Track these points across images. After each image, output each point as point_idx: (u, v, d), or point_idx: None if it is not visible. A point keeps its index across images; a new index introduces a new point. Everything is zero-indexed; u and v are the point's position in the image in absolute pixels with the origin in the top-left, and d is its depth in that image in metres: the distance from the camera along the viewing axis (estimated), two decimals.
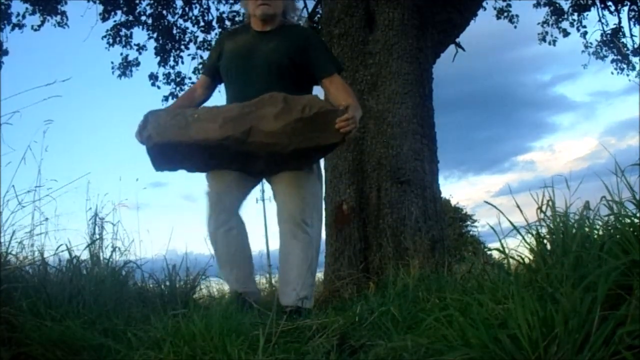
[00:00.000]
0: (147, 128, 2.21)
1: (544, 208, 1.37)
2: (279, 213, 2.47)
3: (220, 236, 2.35)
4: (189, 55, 7.02)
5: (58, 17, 6.36)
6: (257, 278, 3.60)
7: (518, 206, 1.36)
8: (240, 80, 2.45)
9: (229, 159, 2.28)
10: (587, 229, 1.26)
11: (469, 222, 24.47)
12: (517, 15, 7.28)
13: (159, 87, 6.99)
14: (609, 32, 7.08)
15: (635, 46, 6.93)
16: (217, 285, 2.76)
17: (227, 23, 6.97)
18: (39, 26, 6.29)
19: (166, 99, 6.43)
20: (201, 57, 6.92)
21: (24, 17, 6.15)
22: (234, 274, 2.37)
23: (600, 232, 1.24)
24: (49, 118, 1.90)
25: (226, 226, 2.35)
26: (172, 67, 7.01)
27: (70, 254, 1.82)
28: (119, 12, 6.67)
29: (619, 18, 6.95)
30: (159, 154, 2.23)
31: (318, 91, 2.50)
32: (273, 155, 2.24)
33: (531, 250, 1.33)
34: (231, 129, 2.15)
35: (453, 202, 22.37)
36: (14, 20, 6.11)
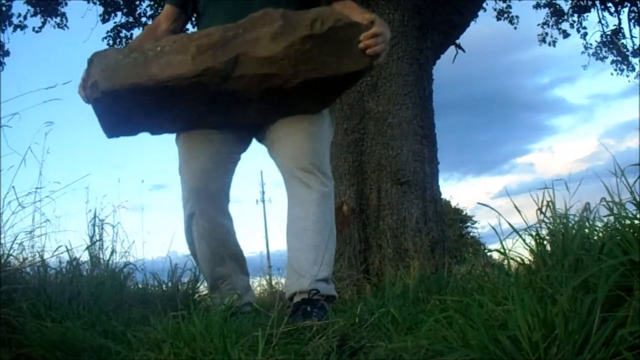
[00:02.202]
0: (92, 74, 1.62)
1: (543, 209, 1.37)
2: (282, 160, 1.83)
3: (204, 236, 1.85)
4: None
5: (58, 19, 6.37)
6: (257, 279, 3.60)
7: (517, 208, 1.36)
8: (224, 3, 1.80)
9: (206, 108, 1.69)
10: (587, 230, 1.26)
11: (469, 224, 24.46)
12: (517, 17, 7.29)
13: None
14: (609, 33, 7.08)
15: (635, 47, 6.93)
16: None
17: None
18: (40, 28, 6.30)
19: None
20: None
21: (25, 18, 6.16)
22: (224, 283, 1.89)
23: (600, 234, 1.24)
24: (49, 120, 1.91)
25: (210, 224, 1.85)
26: None
27: (70, 256, 1.82)
28: (119, 14, 6.67)
29: (619, 19, 6.95)
30: (108, 108, 1.65)
31: None
32: (270, 96, 1.63)
33: (531, 251, 1.33)
34: (210, 60, 1.55)
35: (453, 204, 22.36)
36: (15, 21, 6.12)
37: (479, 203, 1.39)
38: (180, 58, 1.57)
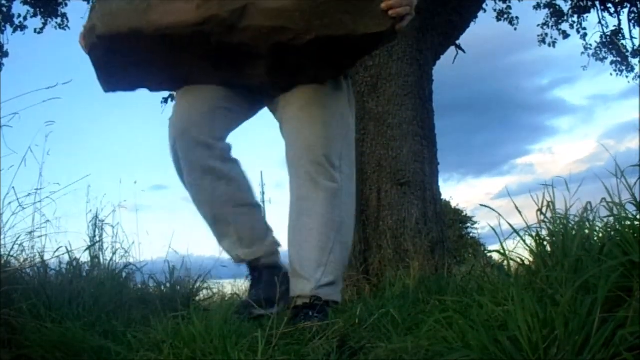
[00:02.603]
0: (91, 17, 1.54)
1: (544, 210, 1.37)
2: (289, 149, 1.69)
3: (206, 187, 1.68)
4: None
5: (59, 19, 6.38)
6: None
7: (517, 208, 1.36)
8: None
9: (210, 63, 1.57)
10: (587, 231, 1.26)
11: (469, 224, 24.46)
12: (517, 18, 7.29)
13: None
14: (609, 33, 7.09)
15: (635, 48, 6.94)
16: (218, 287, 2.76)
17: None
18: (41, 29, 6.30)
19: (165, 100, 6.43)
20: None
21: (25, 19, 6.17)
22: (235, 235, 1.73)
23: (600, 234, 1.24)
24: (48, 120, 1.91)
25: (210, 173, 1.66)
26: None
27: (70, 256, 1.82)
28: None
29: (619, 20, 6.96)
30: (105, 56, 1.55)
31: None
32: (279, 54, 1.50)
33: (531, 252, 1.33)
34: (215, 7, 1.43)
35: (453, 204, 22.37)
36: (16, 22, 6.13)
37: (481, 205, 1.38)
38: (184, 5, 1.44)
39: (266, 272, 1.76)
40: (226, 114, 1.71)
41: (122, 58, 1.55)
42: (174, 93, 1.73)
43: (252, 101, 1.77)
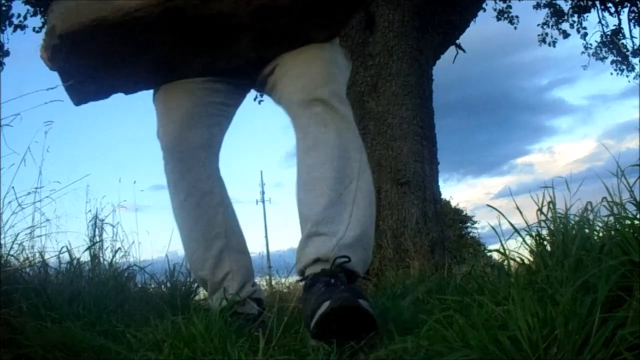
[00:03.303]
0: (50, 20, 1.40)
1: (544, 210, 1.37)
2: (290, 93, 1.44)
3: (192, 208, 1.52)
4: None
5: None
6: (257, 280, 3.59)
7: (518, 208, 1.37)
8: None
9: (190, 49, 1.40)
10: (587, 231, 1.26)
11: (469, 224, 24.47)
12: (517, 17, 7.30)
13: None
14: (609, 33, 7.09)
15: (635, 47, 6.95)
16: None
17: None
18: (40, 28, 6.31)
19: None
20: None
21: (25, 18, 6.17)
22: (225, 265, 1.52)
23: (601, 234, 1.24)
24: (50, 120, 1.90)
25: (199, 192, 1.51)
26: None
27: (70, 256, 1.82)
28: None
29: (619, 19, 6.96)
30: (70, 60, 1.39)
31: None
32: (264, 20, 1.34)
33: (531, 251, 1.33)
34: None
35: (453, 204, 22.38)
36: (15, 21, 6.14)
37: (488, 205, 1.37)
38: None
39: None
40: (217, 113, 1.54)
41: (89, 59, 1.39)
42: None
43: (239, 85, 1.58)
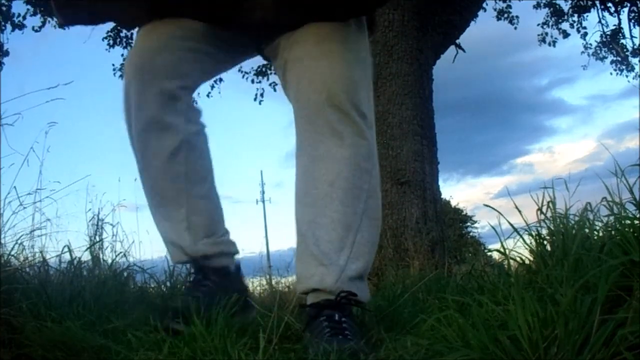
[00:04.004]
0: None
1: (544, 209, 1.37)
2: (300, 94, 1.27)
3: (160, 150, 1.33)
4: None
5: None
6: (257, 279, 3.59)
7: (517, 208, 1.37)
8: None
9: None
10: (587, 230, 1.26)
11: (469, 224, 24.48)
12: (517, 17, 7.30)
13: None
14: (609, 33, 7.10)
15: (635, 47, 6.95)
16: None
17: None
18: (40, 27, 6.31)
19: None
20: None
21: (24, 18, 6.17)
22: (184, 221, 1.36)
23: (601, 234, 1.24)
24: (51, 120, 1.90)
25: (168, 132, 1.32)
26: None
27: (71, 255, 1.82)
28: None
29: (619, 19, 6.97)
30: None
31: None
32: None
33: (531, 251, 1.33)
34: None
35: (453, 204, 22.38)
36: (15, 21, 6.13)
37: (485, 205, 1.37)
38: None
39: (214, 274, 1.40)
40: (203, 58, 1.34)
41: None
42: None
43: (241, 45, 1.40)
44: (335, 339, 1.11)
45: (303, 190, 1.30)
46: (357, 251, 1.25)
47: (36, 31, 6.34)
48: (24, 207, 1.75)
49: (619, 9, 6.93)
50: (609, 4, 6.95)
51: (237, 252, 1.49)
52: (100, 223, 2.13)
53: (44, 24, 6.33)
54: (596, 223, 1.27)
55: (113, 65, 6.90)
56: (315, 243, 1.25)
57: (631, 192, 1.18)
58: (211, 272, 1.40)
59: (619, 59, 7.24)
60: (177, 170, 1.34)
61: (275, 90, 7.44)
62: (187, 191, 1.36)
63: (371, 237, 1.30)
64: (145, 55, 1.29)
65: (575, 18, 7.34)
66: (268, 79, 7.43)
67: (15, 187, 1.71)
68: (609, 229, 1.21)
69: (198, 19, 1.31)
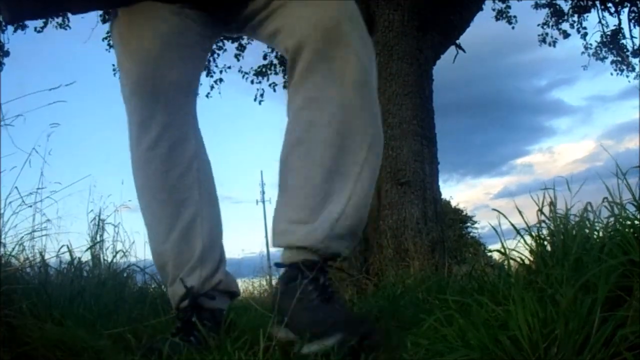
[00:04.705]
0: None
1: (545, 210, 1.38)
2: (297, 20, 1.10)
3: (163, 157, 1.18)
4: None
5: (60, 19, 6.38)
6: (257, 279, 3.59)
7: (517, 208, 1.37)
8: None
9: None
10: (587, 231, 1.26)
11: (469, 224, 24.47)
12: (515, 17, 7.30)
13: None
14: (609, 33, 7.10)
15: (635, 47, 6.95)
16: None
17: None
18: (42, 28, 6.31)
19: None
20: None
21: None
22: (179, 244, 1.20)
23: (601, 234, 1.24)
24: (52, 121, 1.90)
25: (173, 137, 1.19)
26: None
27: (71, 256, 1.82)
28: None
29: (619, 19, 6.97)
30: None
31: None
32: None
33: (531, 251, 1.33)
34: None
35: (453, 204, 22.37)
36: None
37: (489, 207, 1.37)
38: None
39: (210, 318, 1.20)
40: (191, 47, 1.23)
41: None
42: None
43: (215, 19, 1.26)
44: (325, 307, 1.00)
45: (296, 136, 1.13)
46: (352, 207, 1.09)
47: (38, 32, 6.35)
48: (30, 205, 1.74)
49: (619, 9, 6.93)
50: (609, 4, 6.96)
51: (238, 293, 1.33)
52: (101, 223, 2.13)
53: (45, 24, 6.34)
54: (596, 223, 1.28)
55: (113, 65, 6.91)
56: (305, 196, 1.10)
57: (632, 193, 1.18)
58: (203, 312, 1.20)
59: (620, 59, 7.24)
60: (189, 193, 1.22)
61: (275, 90, 7.44)
62: (200, 216, 1.22)
63: (368, 188, 1.14)
64: (147, 68, 1.18)
65: (576, 18, 7.34)
66: (268, 79, 7.43)
67: (17, 187, 1.71)
68: (609, 229, 1.21)
69: (166, 1, 1.18)
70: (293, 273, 1.08)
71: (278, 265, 1.13)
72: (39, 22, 6.29)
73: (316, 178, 1.09)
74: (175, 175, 1.20)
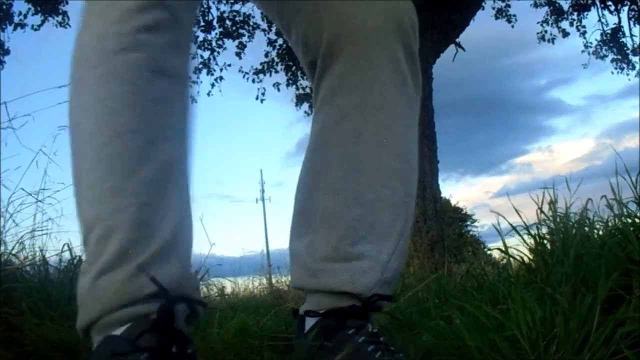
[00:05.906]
0: None
1: (544, 208, 1.38)
2: (346, 7, 0.84)
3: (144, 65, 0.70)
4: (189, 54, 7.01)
5: (59, 18, 6.37)
6: (257, 278, 3.58)
7: (515, 208, 1.37)
8: None
9: None
10: (587, 229, 1.26)
11: (468, 222, 24.48)
12: (514, 15, 7.29)
13: None
14: (609, 31, 7.09)
15: (635, 45, 6.94)
16: (217, 286, 2.75)
17: (228, 23, 6.98)
18: (39, 26, 6.30)
19: None
20: (201, 57, 6.93)
21: (25, 16, 6.17)
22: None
23: (601, 232, 1.24)
24: (59, 121, 1.89)
25: (170, 36, 0.74)
26: None
27: (71, 254, 1.82)
28: None
29: (619, 17, 6.96)
30: None
31: None
32: None
33: (531, 250, 1.33)
34: None
35: (452, 203, 22.38)
36: (16, 19, 6.13)
37: (489, 208, 1.37)
38: None
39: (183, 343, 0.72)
40: None
41: None
42: None
43: None
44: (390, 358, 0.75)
45: (345, 151, 0.87)
46: (401, 249, 0.88)
47: (35, 30, 6.34)
48: (39, 201, 1.74)
49: (619, 7, 6.92)
50: (609, 3, 6.95)
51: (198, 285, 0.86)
52: None
53: (43, 22, 6.33)
54: (596, 222, 1.27)
55: None
56: (352, 227, 0.85)
57: (634, 191, 1.18)
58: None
59: (620, 57, 7.23)
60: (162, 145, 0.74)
61: (279, 90, 7.43)
62: (171, 182, 0.75)
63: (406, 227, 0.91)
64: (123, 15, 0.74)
65: (575, 16, 7.33)
66: (271, 75, 7.41)
67: (22, 188, 1.71)
68: (609, 227, 1.21)
69: None
70: (335, 322, 0.83)
71: (312, 314, 0.86)
72: (38, 20, 6.29)
73: (376, 209, 0.86)
74: (158, 89, 0.73)
